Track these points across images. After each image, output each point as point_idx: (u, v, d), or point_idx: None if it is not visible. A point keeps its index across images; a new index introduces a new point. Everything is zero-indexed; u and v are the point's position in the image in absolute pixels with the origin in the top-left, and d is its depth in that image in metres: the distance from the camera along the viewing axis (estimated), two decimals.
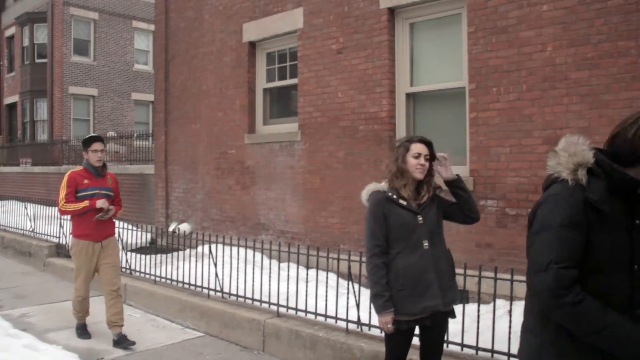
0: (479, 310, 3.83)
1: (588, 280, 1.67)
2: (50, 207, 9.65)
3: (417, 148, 2.94)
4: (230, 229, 8.06)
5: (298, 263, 5.09)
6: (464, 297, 4.18)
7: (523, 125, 5.09)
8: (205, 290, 5.68)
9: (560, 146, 1.80)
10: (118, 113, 20.91)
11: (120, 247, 5.79)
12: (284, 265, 5.97)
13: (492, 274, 3.96)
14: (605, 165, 1.69)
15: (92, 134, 5.28)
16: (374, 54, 6.31)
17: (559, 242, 1.66)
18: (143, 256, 6.98)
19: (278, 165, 7.43)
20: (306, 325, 4.59)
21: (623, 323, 1.62)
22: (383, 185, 2.98)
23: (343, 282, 5.46)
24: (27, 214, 10.10)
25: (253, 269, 5.39)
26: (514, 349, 3.42)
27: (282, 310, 4.95)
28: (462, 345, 3.85)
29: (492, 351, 3.71)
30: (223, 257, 5.80)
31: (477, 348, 3.78)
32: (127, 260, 6.86)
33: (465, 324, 3.90)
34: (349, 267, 4.47)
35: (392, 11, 6.24)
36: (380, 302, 2.83)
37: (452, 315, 3.02)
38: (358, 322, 4.37)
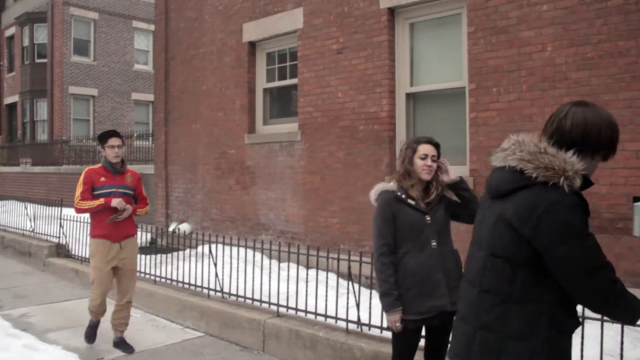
0: None
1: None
2: (50, 207, 9.66)
3: (424, 149, 2.96)
4: (230, 229, 8.06)
5: (298, 263, 5.09)
6: None
7: (523, 125, 5.08)
8: (205, 290, 5.68)
9: (532, 147, 1.76)
10: (118, 113, 20.91)
11: None
12: (284, 265, 5.97)
13: None
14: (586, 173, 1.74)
15: (109, 129, 4.93)
16: (374, 54, 6.31)
17: (592, 247, 1.67)
18: (143, 256, 6.96)
19: (278, 165, 7.43)
20: (306, 325, 4.59)
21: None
22: (392, 185, 3.01)
23: (343, 282, 5.46)
24: (27, 214, 10.10)
25: (253, 269, 5.39)
26: None
27: (282, 310, 4.95)
28: None
29: None
30: (223, 257, 5.80)
31: None
32: None
33: None
34: (349, 267, 4.46)
35: (392, 11, 6.24)
36: (389, 300, 2.84)
37: None
38: (358, 322, 4.37)
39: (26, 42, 20.98)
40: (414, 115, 6.27)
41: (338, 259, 4.71)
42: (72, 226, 8.38)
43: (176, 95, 9.24)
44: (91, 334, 4.92)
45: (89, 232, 4.83)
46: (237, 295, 5.40)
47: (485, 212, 1.90)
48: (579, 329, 3.28)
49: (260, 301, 5.17)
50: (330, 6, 6.79)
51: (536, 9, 5.04)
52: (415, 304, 2.83)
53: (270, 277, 5.22)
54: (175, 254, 6.96)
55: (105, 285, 4.71)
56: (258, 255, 6.18)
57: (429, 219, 2.91)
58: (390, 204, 2.94)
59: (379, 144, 6.25)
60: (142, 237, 8.56)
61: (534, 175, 1.70)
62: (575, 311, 1.79)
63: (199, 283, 5.86)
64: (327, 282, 4.87)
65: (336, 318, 4.55)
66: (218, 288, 5.57)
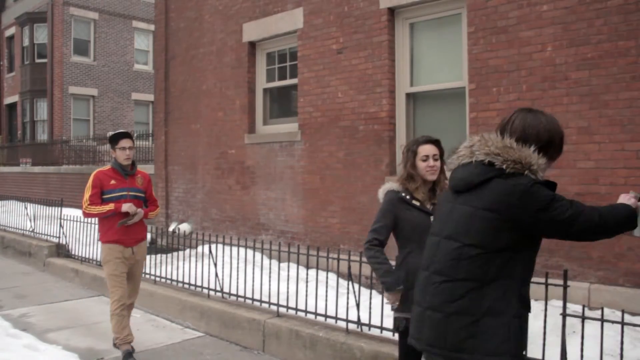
0: None
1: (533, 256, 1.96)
2: (50, 207, 9.65)
3: (425, 150, 2.96)
4: (230, 229, 8.06)
5: (298, 263, 5.09)
6: None
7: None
8: (205, 290, 5.68)
9: (499, 142, 1.94)
10: (118, 113, 20.91)
11: None
12: (284, 265, 5.97)
13: None
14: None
15: (119, 130, 4.69)
16: (374, 54, 6.31)
17: (566, 199, 1.89)
18: None
19: (278, 165, 7.43)
20: (306, 325, 4.59)
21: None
22: (398, 185, 3.01)
23: (343, 282, 5.46)
24: (27, 214, 10.10)
25: (253, 269, 5.39)
26: None
27: (282, 310, 4.95)
28: None
29: None
30: (223, 257, 5.80)
31: None
32: None
33: None
34: (349, 267, 4.46)
35: (392, 11, 6.24)
36: (391, 278, 2.86)
37: None
38: (358, 322, 4.37)
39: (26, 42, 20.99)
40: (414, 115, 6.27)
41: (338, 259, 4.71)
42: (72, 226, 8.38)
43: (176, 95, 9.24)
44: None
45: (98, 237, 4.63)
46: (237, 295, 5.40)
47: (452, 205, 2.01)
48: (579, 328, 3.29)
49: (260, 301, 5.17)
50: (330, 6, 6.79)
51: (536, 9, 5.04)
52: None
53: (270, 277, 5.22)
54: (175, 254, 6.96)
55: (123, 291, 4.48)
56: (258, 255, 6.17)
57: (433, 219, 2.91)
58: (393, 204, 2.95)
59: (379, 144, 6.25)
60: None
61: (503, 167, 1.89)
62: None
63: (199, 283, 5.86)
64: (327, 282, 4.87)
65: (336, 318, 4.55)
66: (218, 288, 5.57)
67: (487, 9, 5.37)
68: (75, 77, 20.02)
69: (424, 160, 2.94)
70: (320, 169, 6.88)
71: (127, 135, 4.54)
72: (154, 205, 4.76)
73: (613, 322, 3.21)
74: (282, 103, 8.02)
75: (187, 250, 6.78)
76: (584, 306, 3.39)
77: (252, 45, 7.99)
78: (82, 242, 8.03)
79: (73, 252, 8.32)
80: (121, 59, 21.06)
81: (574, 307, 3.98)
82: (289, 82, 7.62)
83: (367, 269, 5.04)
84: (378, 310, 4.23)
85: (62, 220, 8.54)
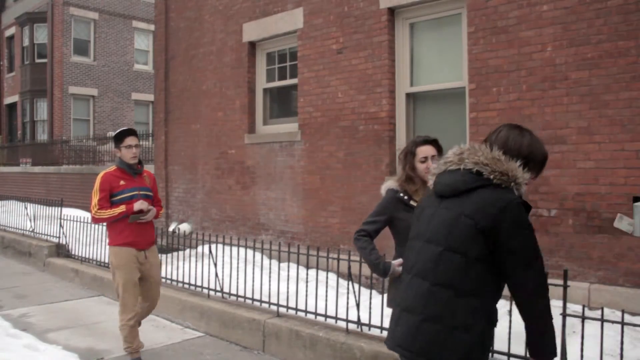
0: None
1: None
2: (50, 207, 9.66)
3: (423, 151, 2.98)
4: (230, 229, 8.06)
5: (298, 263, 5.09)
6: None
7: (523, 126, 5.08)
8: (205, 290, 5.68)
9: (488, 154, 1.99)
10: (118, 113, 20.91)
11: None
12: (284, 265, 5.97)
13: None
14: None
15: (124, 128, 4.43)
16: (374, 54, 6.31)
17: (535, 238, 1.93)
18: None
19: (278, 165, 7.43)
20: (306, 325, 4.59)
21: None
22: (397, 185, 3.04)
23: (343, 282, 5.46)
24: (27, 214, 10.10)
25: (253, 269, 5.39)
26: (515, 349, 3.43)
27: (282, 310, 4.95)
28: None
29: (493, 351, 3.71)
30: (223, 257, 5.80)
31: None
32: None
33: None
34: (349, 267, 4.46)
35: (392, 11, 6.24)
36: (381, 267, 2.92)
37: None
38: (358, 322, 4.37)
39: (26, 42, 20.99)
40: (414, 115, 6.27)
41: (338, 259, 4.71)
42: (72, 226, 8.38)
43: (176, 95, 9.25)
44: None
45: (107, 241, 4.41)
46: (237, 295, 5.40)
47: (435, 210, 2.05)
48: (579, 328, 3.29)
49: (260, 301, 5.17)
50: (330, 6, 6.79)
51: (536, 9, 5.04)
52: None
53: (270, 277, 5.22)
54: (175, 254, 6.96)
55: (135, 300, 4.30)
56: (258, 255, 6.18)
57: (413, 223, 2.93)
58: (392, 203, 3.00)
59: (379, 144, 6.25)
60: None
61: (490, 177, 1.94)
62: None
63: (199, 283, 5.86)
64: (327, 282, 4.87)
65: (336, 318, 4.55)
66: (218, 288, 5.57)
67: (487, 9, 5.37)
68: (75, 77, 20.03)
69: (423, 162, 2.96)
70: (320, 169, 6.88)
71: (132, 132, 4.35)
72: (159, 205, 4.57)
73: (613, 322, 3.21)
74: (282, 103, 8.02)
75: (187, 250, 6.78)
76: (584, 306, 3.39)
77: (252, 45, 7.99)
78: (82, 242, 8.03)
79: (73, 252, 8.32)
80: (121, 59, 21.06)
81: (574, 307, 3.99)
82: (289, 82, 7.62)
83: (367, 269, 5.04)
84: (378, 310, 4.23)
85: (62, 220, 8.54)
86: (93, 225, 7.81)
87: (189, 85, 8.97)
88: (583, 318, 3.24)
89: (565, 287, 3.29)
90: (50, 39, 19.72)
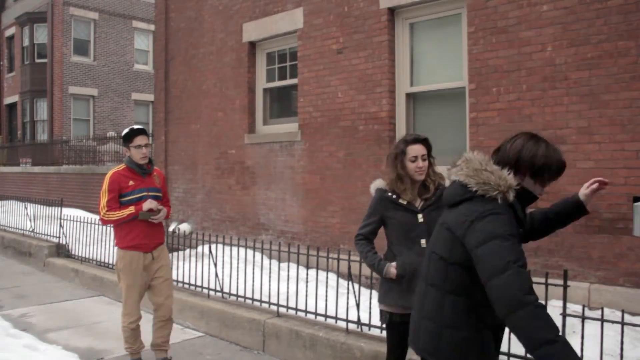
0: None
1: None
2: (50, 207, 9.66)
3: (414, 150, 2.98)
4: (230, 229, 8.06)
5: (298, 263, 5.09)
6: None
7: (523, 126, 5.08)
8: (205, 290, 5.68)
9: (476, 165, 2.03)
10: (118, 113, 20.91)
11: None
12: (284, 265, 5.97)
13: None
14: (524, 188, 2.04)
15: (133, 127, 4.22)
16: (374, 54, 6.31)
17: (511, 247, 1.85)
18: None
19: (278, 165, 7.43)
20: (306, 325, 4.59)
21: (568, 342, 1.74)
22: (385, 185, 3.07)
23: (343, 282, 5.46)
24: (27, 214, 10.10)
25: (253, 269, 5.39)
26: (514, 349, 3.42)
27: (282, 310, 4.95)
28: None
29: None
30: (223, 257, 5.80)
31: None
32: None
33: None
34: (349, 267, 4.46)
35: (392, 11, 6.24)
36: (379, 267, 3.02)
37: None
38: (358, 322, 4.37)
39: (26, 42, 20.98)
40: (414, 115, 6.27)
41: (338, 259, 4.71)
42: (72, 226, 8.38)
43: (176, 95, 9.24)
44: None
45: (114, 242, 4.29)
46: (237, 295, 5.40)
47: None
48: (579, 328, 3.28)
49: (260, 301, 5.17)
50: (330, 6, 6.79)
51: (536, 9, 5.04)
52: (402, 298, 2.94)
53: (270, 277, 5.22)
54: (175, 254, 6.96)
55: (138, 304, 4.23)
56: (258, 255, 6.17)
57: (421, 218, 2.97)
58: (382, 202, 3.06)
59: (379, 144, 6.25)
60: None
61: (474, 189, 2.00)
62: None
63: (199, 283, 5.86)
64: (327, 282, 4.87)
65: (336, 318, 4.55)
66: (218, 288, 5.57)
67: (487, 9, 5.37)
68: (75, 77, 20.02)
69: (413, 161, 2.96)
70: (320, 169, 6.88)
71: (142, 131, 4.16)
72: (167, 205, 4.38)
73: (613, 322, 3.21)
74: (282, 103, 8.02)
75: (187, 250, 6.78)
76: (584, 306, 3.39)
77: (252, 45, 7.99)
78: (82, 242, 8.03)
79: (73, 252, 8.33)
80: (121, 59, 21.06)
81: (574, 307, 3.99)
82: (289, 82, 7.62)
83: (367, 269, 5.04)
84: (378, 310, 4.22)
85: (62, 220, 8.54)
86: (93, 225, 7.82)
87: (189, 85, 8.97)
88: (583, 318, 3.24)
89: (565, 287, 3.29)
90: (50, 39, 19.72)
